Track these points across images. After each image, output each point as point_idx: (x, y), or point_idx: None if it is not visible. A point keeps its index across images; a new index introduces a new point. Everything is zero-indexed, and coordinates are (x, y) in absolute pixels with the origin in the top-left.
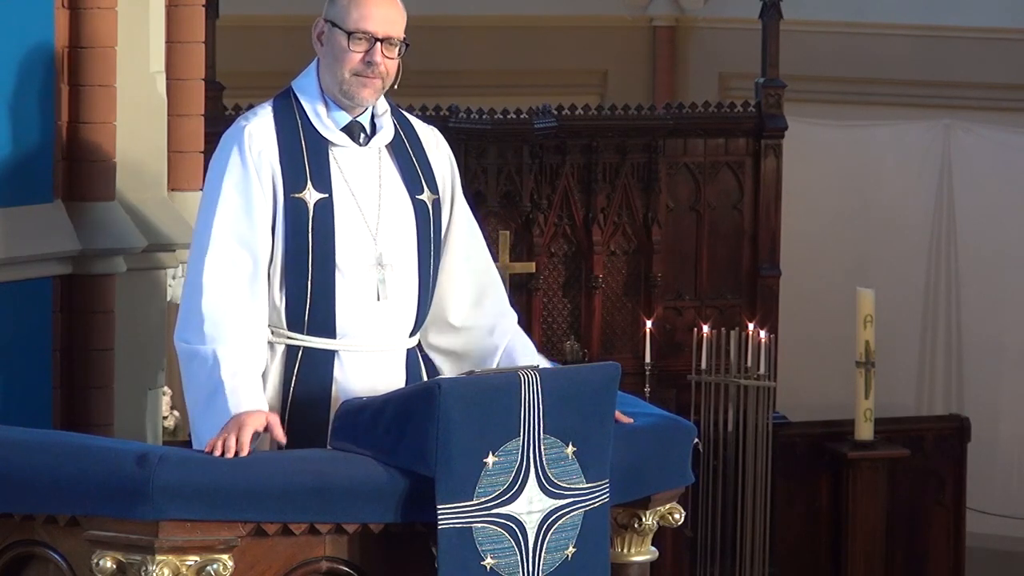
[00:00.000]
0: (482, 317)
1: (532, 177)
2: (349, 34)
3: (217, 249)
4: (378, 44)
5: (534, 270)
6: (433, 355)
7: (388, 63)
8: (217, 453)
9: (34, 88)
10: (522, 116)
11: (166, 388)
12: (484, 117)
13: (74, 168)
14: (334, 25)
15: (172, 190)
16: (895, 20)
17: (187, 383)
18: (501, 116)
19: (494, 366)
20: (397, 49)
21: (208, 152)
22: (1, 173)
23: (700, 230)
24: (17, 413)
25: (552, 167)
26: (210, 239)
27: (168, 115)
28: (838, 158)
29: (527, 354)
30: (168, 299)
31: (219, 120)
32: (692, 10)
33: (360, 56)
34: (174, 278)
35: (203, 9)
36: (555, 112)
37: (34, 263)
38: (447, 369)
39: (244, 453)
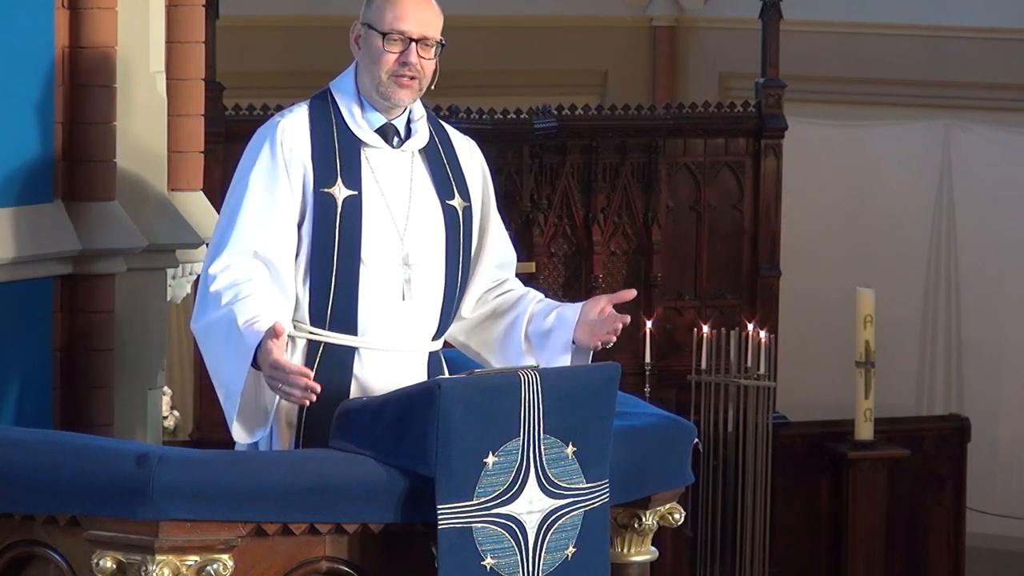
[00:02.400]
0: (498, 297)
1: (532, 177)
2: (384, 35)
3: (235, 245)
4: (413, 44)
5: (534, 270)
6: (468, 352)
7: (424, 63)
8: (304, 399)
9: (34, 88)
10: (522, 116)
11: (166, 388)
12: (484, 117)
13: (74, 168)
14: (370, 27)
15: (172, 190)
16: (895, 20)
17: (205, 346)
18: (501, 116)
19: (522, 334)
20: (433, 50)
21: (208, 152)
22: (1, 173)
23: (700, 230)
24: (17, 413)
25: (552, 167)
26: (232, 235)
27: (168, 115)
28: (838, 158)
29: (549, 310)
30: (168, 299)
31: (219, 120)
32: (692, 10)
33: (395, 57)
34: (174, 278)
35: (203, 9)
36: (555, 112)
37: (34, 263)
38: (491, 359)
39: (303, 379)
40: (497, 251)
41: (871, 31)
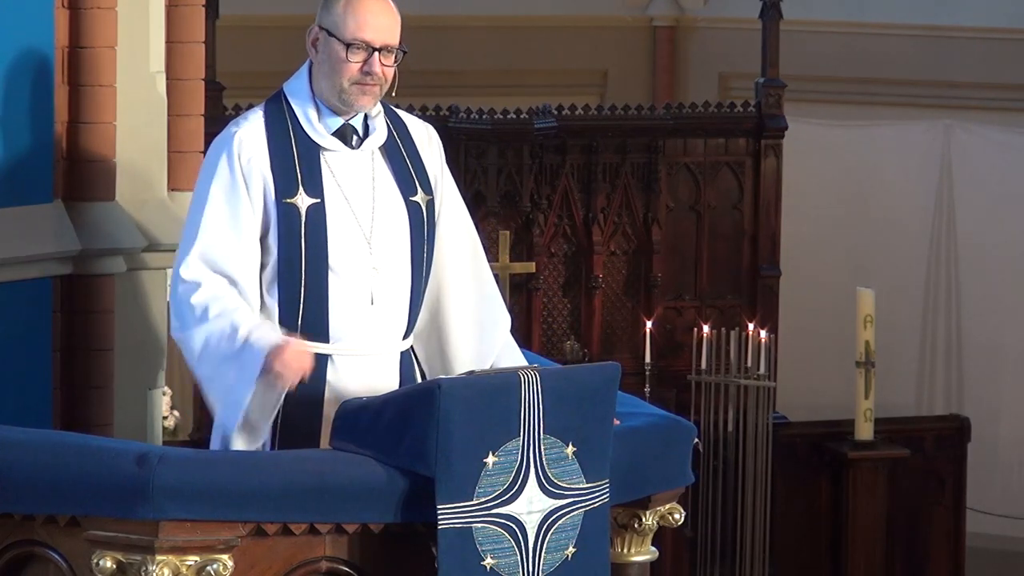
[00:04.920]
0: (483, 346)
1: (532, 177)
2: (347, 45)
3: (197, 256)
4: (376, 54)
5: (534, 270)
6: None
7: (386, 70)
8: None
9: (34, 88)
10: (522, 116)
11: (166, 388)
12: (484, 117)
13: (74, 168)
14: (330, 34)
15: (172, 190)
16: (895, 20)
17: (200, 358)
18: (501, 116)
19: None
20: (394, 56)
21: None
22: (1, 173)
23: (700, 230)
24: (17, 413)
25: (552, 167)
26: (192, 246)
27: (168, 115)
28: (838, 158)
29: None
30: (168, 299)
31: (219, 120)
32: (692, 10)
33: (358, 66)
34: None
35: (203, 9)
36: (555, 112)
37: (34, 263)
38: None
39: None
40: (467, 254)
41: (871, 31)
